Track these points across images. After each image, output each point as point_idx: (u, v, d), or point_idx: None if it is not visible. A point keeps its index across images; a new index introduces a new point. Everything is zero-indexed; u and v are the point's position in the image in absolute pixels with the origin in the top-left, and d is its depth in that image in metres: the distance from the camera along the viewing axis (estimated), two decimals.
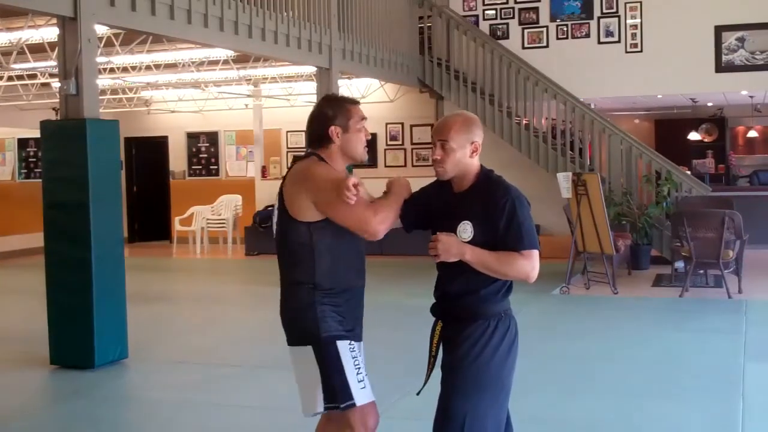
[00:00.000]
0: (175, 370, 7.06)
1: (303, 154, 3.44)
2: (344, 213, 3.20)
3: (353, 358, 3.31)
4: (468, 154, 3.17)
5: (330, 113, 3.37)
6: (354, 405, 3.28)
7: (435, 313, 3.31)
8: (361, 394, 3.29)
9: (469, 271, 3.10)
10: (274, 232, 3.42)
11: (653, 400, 5.80)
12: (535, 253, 3.10)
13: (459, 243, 3.07)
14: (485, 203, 3.13)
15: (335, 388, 3.27)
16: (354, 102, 3.45)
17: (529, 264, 3.08)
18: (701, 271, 10.56)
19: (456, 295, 3.17)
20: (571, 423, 5.28)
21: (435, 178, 3.29)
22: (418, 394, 3.47)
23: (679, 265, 10.74)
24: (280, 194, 3.36)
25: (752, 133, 19.05)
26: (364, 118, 3.41)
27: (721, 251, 9.53)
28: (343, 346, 3.29)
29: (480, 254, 3.07)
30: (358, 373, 3.30)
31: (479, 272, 3.09)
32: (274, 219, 3.41)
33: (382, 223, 3.21)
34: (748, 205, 11.88)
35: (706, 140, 19.41)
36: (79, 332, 6.89)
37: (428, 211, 3.31)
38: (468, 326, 3.15)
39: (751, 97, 15.99)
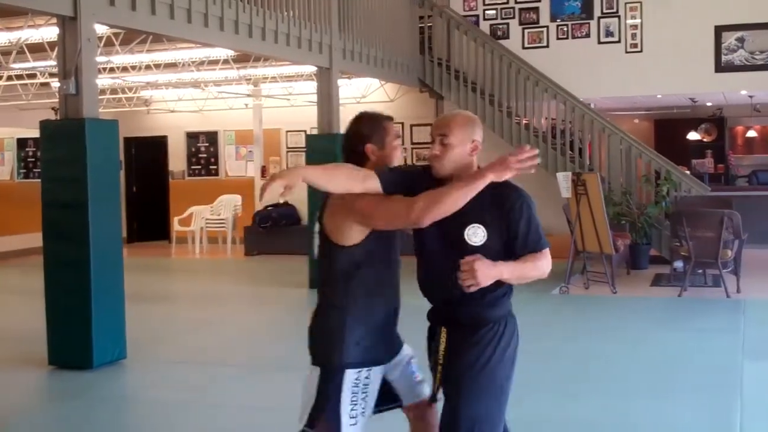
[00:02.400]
0: (174, 371, 7.07)
1: None
2: (382, 212, 3.15)
3: (353, 390, 3.26)
4: (468, 152, 3.13)
5: (366, 131, 3.36)
6: None
7: (436, 320, 3.26)
8: (349, 430, 3.26)
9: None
10: (315, 254, 3.42)
11: (652, 400, 5.80)
12: (546, 252, 3.12)
13: (493, 265, 2.96)
14: (499, 206, 3.07)
15: (322, 416, 3.26)
16: (389, 119, 3.44)
17: (548, 262, 3.11)
18: (700, 271, 10.56)
19: (459, 302, 3.09)
20: (571, 423, 5.29)
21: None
22: (433, 400, 3.40)
23: (678, 264, 10.75)
24: (320, 218, 3.37)
25: (751, 133, 19.06)
26: (399, 136, 3.41)
27: (719, 251, 9.54)
28: (349, 376, 3.25)
29: (514, 268, 3.04)
30: (352, 409, 3.26)
31: None
32: (315, 242, 3.40)
33: (425, 211, 3.05)
34: (746, 204, 11.87)
35: (705, 140, 19.41)
36: (78, 332, 6.88)
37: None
38: (475, 332, 3.12)
39: (751, 97, 15.97)
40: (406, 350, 3.51)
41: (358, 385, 3.27)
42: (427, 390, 3.48)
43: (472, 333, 3.13)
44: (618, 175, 12.49)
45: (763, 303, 9.34)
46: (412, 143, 15.16)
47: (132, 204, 17.61)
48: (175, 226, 16.26)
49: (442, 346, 3.20)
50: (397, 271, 3.38)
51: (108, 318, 6.99)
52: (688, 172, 14.25)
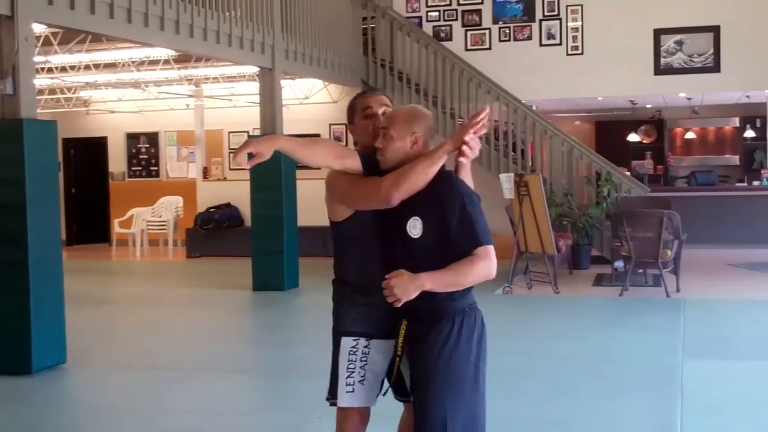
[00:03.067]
0: (115, 375, 6.97)
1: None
2: (355, 194, 3.23)
3: (350, 358, 3.32)
4: (408, 146, 3.18)
5: (347, 113, 3.50)
6: (335, 404, 3.36)
7: (397, 311, 3.22)
8: (345, 397, 3.32)
9: (426, 263, 3.05)
10: None
11: (594, 398, 5.86)
12: (491, 248, 3.09)
13: (413, 278, 2.99)
14: (434, 199, 3.10)
15: (330, 383, 3.39)
16: (362, 94, 3.50)
17: (487, 263, 3.07)
18: (640, 271, 10.70)
19: (418, 296, 3.06)
20: (513, 421, 5.30)
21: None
22: (384, 393, 3.42)
23: (619, 264, 10.87)
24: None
25: (690, 135, 19.40)
26: (367, 107, 3.39)
27: (659, 251, 9.67)
28: (345, 343, 3.33)
29: (439, 277, 3.03)
30: (348, 376, 3.31)
31: (437, 262, 3.05)
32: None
33: (392, 189, 3.12)
34: (685, 205, 12.06)
35: (645, 142, 19.73)
36: (16, 337, 6.73)
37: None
38: (435, 325, 3.13)
39: (689, 99, 16.27)
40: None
41: (355, 353, 3.32)
42: None
43: (431, 326, 3.13)
44: (560, 176, 12.61)
45: (702, 302, 9.49)
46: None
47: (71, 206, 17.31)
48: (116, 228, 16.03)
49: (399, 339, 3.22)
50: (400, 243, 3.33)
51: (47, 322, 6.85)
52: (628, 173, 14.44)
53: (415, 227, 3.10)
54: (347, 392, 3.31)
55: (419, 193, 3.13)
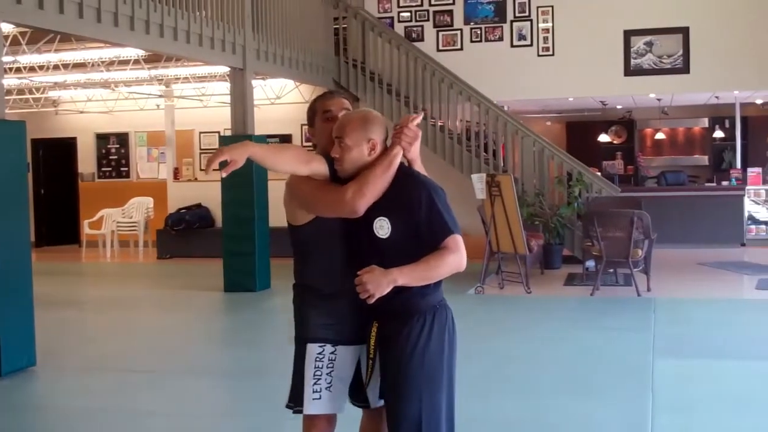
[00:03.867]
0: (85, 378, 6.90)
1: None
2: (319, 202, 3.19)
3: (317, 365, 3.27)
4: (366, 153, 3.13)
5: (307, 117, 3.45)
6: (299, 411, 3.31)
7: (368, 311, 3.20)
8: (312, 404, 3.27)
9: (397, 260, 3.04)
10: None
11: (566, 398, 5.87)
12: (459, 238, 3.09)
13: (385, 273, 2.99)
14: (401, 198, 3.09)
15: (293, 390, 3.34)
16: (322, 96, 3.44)
17: (458, 254, 3.07)
18: (611, 270, 10.77)
19: (389, 294, 3.04)
20: (484, 421, 5.31)
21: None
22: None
23: (590, 264, 10.93)
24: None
25: (660, 135, 19.55)
26: (327, 110, 3.34)
27: (630, 250, 9.73)
28: (311, 350, 3.28)
29: (410, 272, 3.03)
30: (315, 383, 3.26)
31: (407, 259, 3.04)
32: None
33: (357, 198, 3.10)
34: (656, 205, 12.16)
35: (615, 142, 19.86)
36: None
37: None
38: (405, 323, 3.12)
39: (659, 100, 16.40)
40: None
41: (321, 360, 3.27)
42: None
43: (402, 325, 3.12)
44: (531, 176, 12.65)
45: (672, 301, 9.56)
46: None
47: (40, 207, 17.16)
48: (86, 229, 15.91)
49: (372, 340, 3.20)
50: (367, 249, 3.29)
51: (16, 324, 6.79)
52: (599, 173, 14.54)
53: (382, 227, 3.09)
54: (314, 399, 3.27)
55: (385, 192, 3.13)
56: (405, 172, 3.18)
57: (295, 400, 3.32)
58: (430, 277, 3.08)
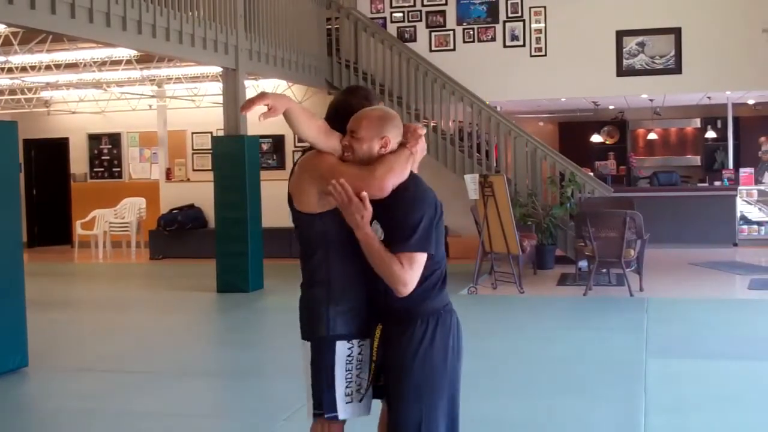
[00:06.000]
0: (78, 379, 6.88)
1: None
2: (346, 175, 3.00)
3: (347, 367, 3.12)
4: (376, 149, 3.08)
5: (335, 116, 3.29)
6: (337, 418, 3.14)
7: (372, 314, 3.18)
8: (346, 408, 3.12)
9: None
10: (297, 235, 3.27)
11: (559, 398, 5.88)
12: (416, 257, 2.96)
13: (363, 223, 2.97)
14: (392, 199, 3.03)
15: (319, 394, 3.13)
16: (366, 97, 3.31)
17: (404, 274, 2.94)
18: (604, 270, 10.79)
19: (393, 297, 3.02)
20: (478, 421, 5.31)
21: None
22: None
23: (583, 264, 10.94)
24: (289, 196, 3.20)
25: (652, 136, 19.58)
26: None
27: (623, 250, 9.74)
28: (341, 350, 3.11)
29: (370, 240, 2.97)
30: (347, 385, 3.12)
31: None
32: (292, 217, 3.24)
33: (388, 175, 3.01)
34: (648, 205, 12.20)
35: (607, 142, 19.89)
36: None
37: None
38: (407, 328, 3.07)
39: (651, 100, 16.43)
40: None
41: (351, 361, 3.13)
42: None
43: (405, 328, 3.08)
44: (524, 176, 12.66)
45: (665, 301, 9.57)
46: None
47: (32, 208, 17.14)
48: (78, 229, 15.86)
49: (375, 343, 3.15)
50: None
51: (9, 325, 6.77)
52: (591, 173, 14.56)
53: (377, 231, 3.02)
54: (347, 403, 3.12)
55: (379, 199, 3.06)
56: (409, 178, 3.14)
57: (325, 406, 3.12)
58: (372, 263, 2.99)
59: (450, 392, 3.14)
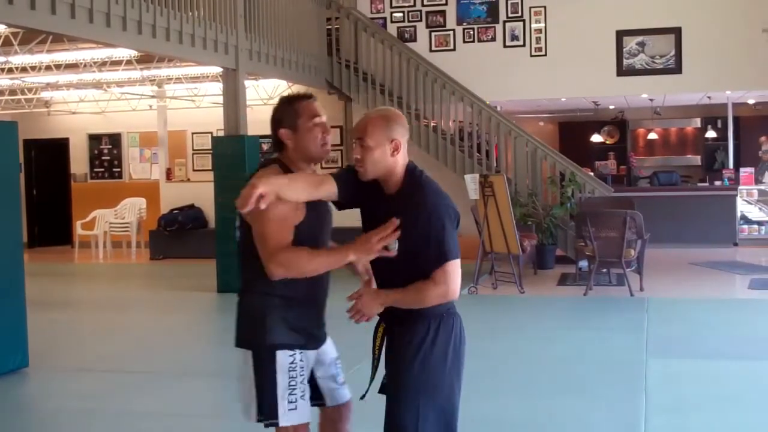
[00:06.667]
0: (78, 379, 6.89)
1: (269, 158, 3.33)
2: (258, 239, 3.09)
3: (290, 374, 3.16)
4: (389, 153, 3.02)
5: (278, 116, 3.27)
6: (277, 425, 3.19)
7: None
8: (289, 415, 3.16)
9: (404, 275, 3.02)
10: (237, 235, 3.31)
11: (559, 398, 5.88)
12: (451, 265, 3.00)
13: (377, 296, 3.03)
14: (406, 216, 2.99)
15: (264, 403, 3.17)
16: (304, 99, 3.30)
17: (441, 287, 2.99)
18: (604, 270, 10.78)
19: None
20: (478, 421, 5.31)
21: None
22: (362, 398, 3.36)
23: (583, 264, 10.94)
24: None
25: (652, 135, 19.58)
26: (315, 116, 3.24)
27: (623, 250, 9.74)
28: (282, 358, 3.16)
29: (394, 298, 3.03)
30: (291, 393, 3.16)
31: (413, 275, 3.00)
32: (236, 223, 3.29)
33: (280, 267, 3.04)
34: (648, 205, 12.19)
35: (608, 142, 19.89)
36: None
37: (359, 198, 3.15)
38: (409, 328, 3.08)
39: (651, 100, 16.43)
40: (332, 350, 3.42)
41: (294, 369, 3.17)
42: (347, 394, 3.43)
43: (406, 330, 3.09)
44: (524, 176, 12.66)
45: (665, 301, 9.57)
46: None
47: (33, 208, 17.14)
48: (78, 230, 15.87)
49: (377, 342, 3.18)
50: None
51: (9, 325, 6.78)
52: (591, 173, 14.56)
53: (393, 245, 3.01)
54: (290, 410, 3.16)
55: (397, 204, 3.04)
56: (415, 182, 3.09)
57: (267, 413, 3.17)
58: (417, 304, 3.03)
59: (448, 396, 3.12)
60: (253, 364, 3.18)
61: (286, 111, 3.26)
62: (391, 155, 3.03)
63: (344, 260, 3.07)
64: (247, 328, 3.24)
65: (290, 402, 3.15)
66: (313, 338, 3.28)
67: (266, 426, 3.22)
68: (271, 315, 3.17)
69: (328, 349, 3.40)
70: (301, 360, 3.20)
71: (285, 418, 3.16)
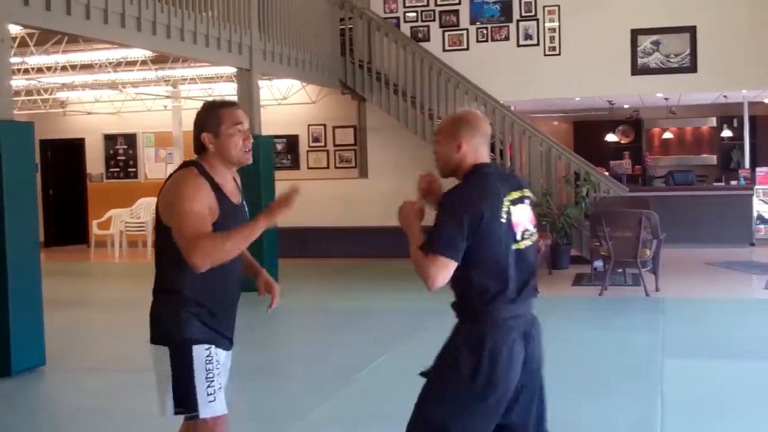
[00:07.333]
0: (94, 378, 6.92)
1: (188, 161, 3.39)
2: (177, 236, 3.14)
3: (207, 366, 3.24)
4: (454, 152, 3.12)
5: (201, 121, 3.33)
6: (197, 417, 3.25)
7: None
8: (208, 407, 3.23)
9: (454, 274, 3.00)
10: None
11: (574, 398, 5.86)
12: (438, 260, 2.93)
13: (414, 219, 3.09)
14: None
15: (182, 396, 3.24)
16: (227, 106, 3.37)
17: (430, 268, 2.93)
18: (620, 270, 10.75)
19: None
20: None
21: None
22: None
23: (598, 264, 10.91)
24: (157, 207, 3.31)
25: (667, 135, 19.52)
26: (237, 123, 3.31)
27: (638, 250, 9.71)
28: (198, 352, 3.24)
29: (411, 234, 3.06)
30: (209, 386, 3.23)
31: (457, 274, 2.99)
32: (153, 224, 3.37)
33: (204, 257, 3.08)
34: (664, 204, 12.14)
35: (622, 142, 19.82)
36: None
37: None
38: (457, 324, 3.12)
39: (666, 99, 16.37)
40: (229, 361, 3.51)
41: (211, 362, 3.26)
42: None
43: (456, 325, 3.13)
44: (538, 176, 12.63)
45: (681, 301, 9.54)
46: (335, 145, 15.12)
47: (49, 208, 17.21)
48: (94, 229, 15.92)
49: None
50: (238, 258, 3.35)
51: (26, 324, 6.81)
52: (606, 173, 14.50)
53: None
54: (210, 402, 3.23)
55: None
56: (466, 178, 3.15)
57: (186, 406, 3.24)
58: (411, 248, 3.03)
59: (461, 410, 3.02)
60: (171, 359, 3.26)
61: (210, 116, 3.33)
62: (456, 153, 3.12)
63: (258, 228, 3.18)
64: (162, 325, 3.33)
65: (209, 394, 3.23)
66: (224, 339, 3.38)
67: (186, 419, 3.30)
68: (185, 312, 3.26)
69: (228, 360, 3.50)
70: (216, 354, 3.30)
71: (205, 410, 3.23)
